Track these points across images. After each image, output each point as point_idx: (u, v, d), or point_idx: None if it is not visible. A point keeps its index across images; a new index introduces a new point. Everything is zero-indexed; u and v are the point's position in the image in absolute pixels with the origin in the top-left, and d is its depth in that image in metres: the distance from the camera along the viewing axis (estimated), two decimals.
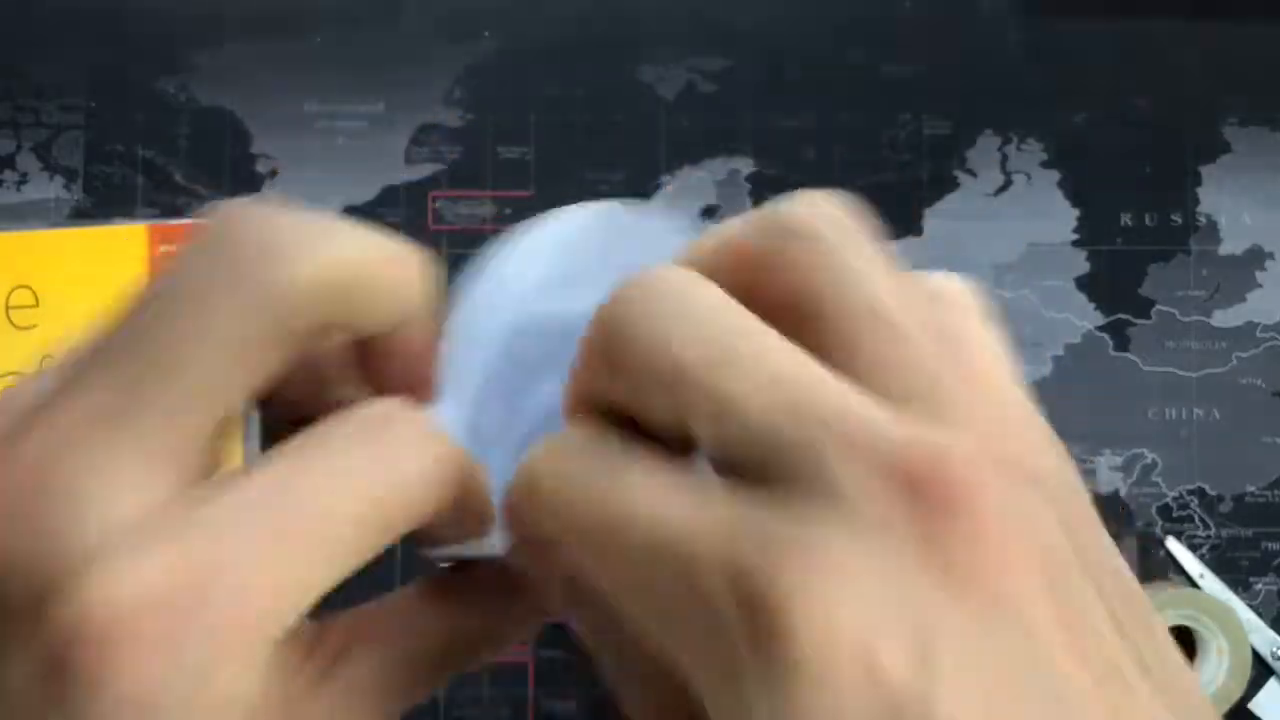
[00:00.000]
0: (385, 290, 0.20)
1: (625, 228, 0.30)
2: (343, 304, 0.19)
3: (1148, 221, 0.56)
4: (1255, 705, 0.53)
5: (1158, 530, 0.55)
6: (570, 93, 0.56)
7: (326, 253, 0.19)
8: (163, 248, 0.53)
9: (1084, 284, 0.55)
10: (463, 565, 0.24)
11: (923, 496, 0.17)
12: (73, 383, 0.18)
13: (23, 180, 0.55)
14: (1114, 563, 0.19)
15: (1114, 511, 0.54)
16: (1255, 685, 0.53)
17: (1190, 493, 0.55)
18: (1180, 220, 0.56)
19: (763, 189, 0.56)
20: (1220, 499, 0.55)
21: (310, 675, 0.20)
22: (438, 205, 0.56)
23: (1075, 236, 0.56)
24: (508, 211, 0.56)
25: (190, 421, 0.18)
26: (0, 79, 0.56)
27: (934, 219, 0.56)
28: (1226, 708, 0.51)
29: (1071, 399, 0.55)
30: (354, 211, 0.55)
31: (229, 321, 0.18)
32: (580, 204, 0.29)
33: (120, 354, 0.18)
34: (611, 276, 0.21)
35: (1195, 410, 0.55)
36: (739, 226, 0.21)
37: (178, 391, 0.18)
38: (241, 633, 0.17)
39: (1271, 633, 0.53)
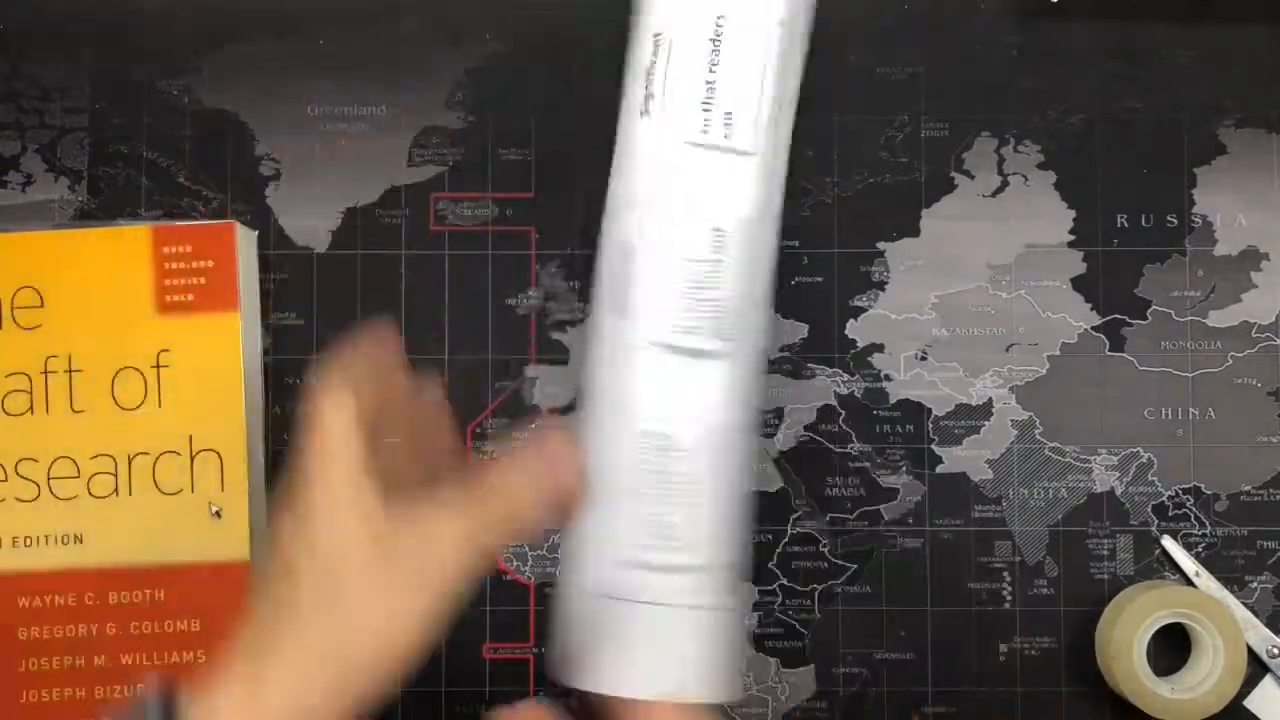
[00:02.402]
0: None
1: None
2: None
3: (1143, 222, 0.56)
4: (1250, 703, 0.54)
5: (1154, 529, 0.55)
6: (571, 95, 0.56)
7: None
8: (166, 249, 0.53)
9: (1080, 285, 0.56)
10: None
11: None
12: None
13: (28, 181, 0.56)
14: None
15: (1110, 510, 0.55)
16: (1250, 683, 0.53)
17: (1186, 492, 0.55)
18: (1176, 221, 0.56)
19: None
20: (1216, 498, 0.55)
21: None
22: (439, 207, 0.56)
23: (1071, 237, 0.56)
24: (509, 213, 0.56)
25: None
26: (5, 81, 0.56)
27: (931, 220, 0.56)
28: (1222, 706, 0.51)
29: (1068, 399, 0.55)
30: (356, 213, 0.56)
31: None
32: None
33: None
34: None
35: (1191, 410, 0.55)
36: None
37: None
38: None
39: (1267, 631, 0.54)
